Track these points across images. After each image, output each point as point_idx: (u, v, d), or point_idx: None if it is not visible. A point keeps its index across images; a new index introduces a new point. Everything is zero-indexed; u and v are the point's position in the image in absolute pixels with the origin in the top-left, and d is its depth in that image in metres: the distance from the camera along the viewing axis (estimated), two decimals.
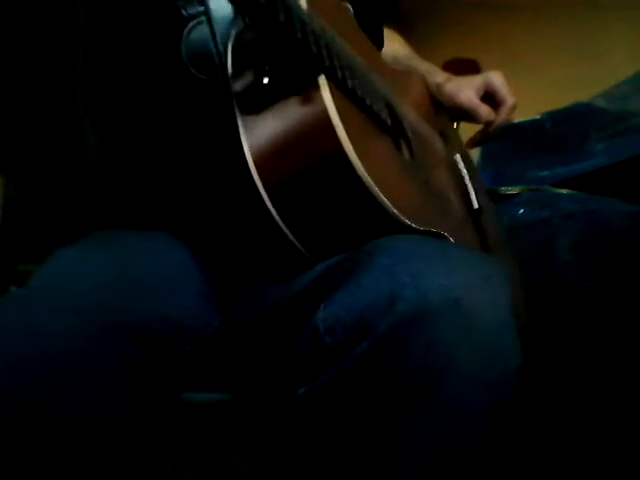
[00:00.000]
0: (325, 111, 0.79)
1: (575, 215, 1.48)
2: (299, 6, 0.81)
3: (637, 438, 1.28)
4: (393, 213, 0.80)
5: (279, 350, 0.83)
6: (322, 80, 0.80)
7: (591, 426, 1.31)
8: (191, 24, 0.92)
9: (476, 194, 1.14)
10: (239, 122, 0.82)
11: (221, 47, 0.89)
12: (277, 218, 0.81)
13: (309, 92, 0.80)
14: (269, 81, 0.81)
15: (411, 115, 1.09)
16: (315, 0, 0.85)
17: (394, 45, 1.31)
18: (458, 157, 1.19)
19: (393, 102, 1.01)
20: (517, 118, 1.75)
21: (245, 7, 0.76)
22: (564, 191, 1.59)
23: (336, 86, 0.82)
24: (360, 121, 0.87)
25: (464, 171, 1.17)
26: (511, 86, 1.22)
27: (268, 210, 0.81)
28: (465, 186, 1.16)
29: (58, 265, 0.88)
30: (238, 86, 0.84)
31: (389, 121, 0.94)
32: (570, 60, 1.93)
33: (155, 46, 0.92)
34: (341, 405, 0.75)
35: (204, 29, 0.91)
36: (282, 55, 0.82)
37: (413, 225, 0.82)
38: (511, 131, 1.72)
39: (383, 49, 1.25)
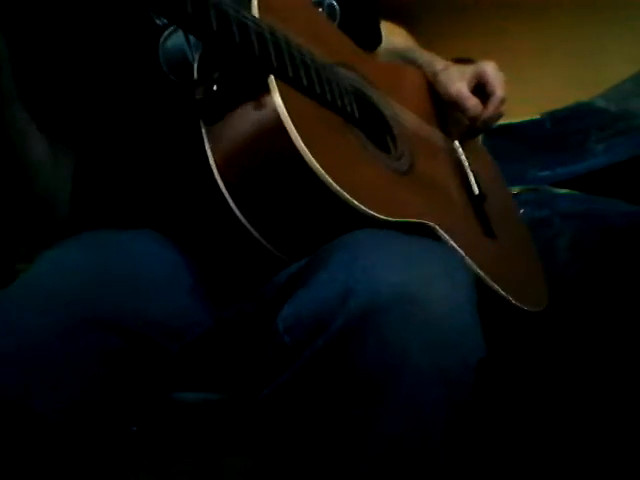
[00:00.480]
0: (275, 112, 0.80)
1: (575, 215, 1.48)
2: (238, 10, 0.81)
3: (636, 436, 1.28)
4: (354, 205, 0.80)
5: (258, 351, 0.83)
6: (271, 81, 0.81)
7: (590, 422, 1.31)
8: (166, 32, 0.93)
9: (477, 179, 1.13)
10: (202, 129, 0.84)
11: (197, 53, 0.90)
12: (241, 217, 0.82)
13: (259, 94, 0.82)
14: (218, 88, 0.84)
15: (399, 107, 1.08)
16: (269, 3, 0.87)
17: (395, 39, 1.30)
18: (456, 144, 1.17)
19: (370, 95, 1.00)
20: (517, 118, 1.76)
21: (175, 18, 0.78)
22: (564, 191, 1.60)
23: (289, 85, 0.83)
24: (317, 117, 0.87)
25: (463, 157, 1.16)
26: (510, 86, 1.20)
27: (233, 211, 0.82)
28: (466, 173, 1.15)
29: (44, 266, 0.88)
30: (198, 94, 0.86)
31: (357, 114, 0.93)
32: (570, 60, 1.92)
33: (133, 56, 0.93)
34: (301, 404, 0.75)
35: (180, 36, 0.92)
36: (227, 61, 0.84)
37: (383, 217, 0.82)
38: (511, 131, 1.73)
39: (382, 44, 1.25)
